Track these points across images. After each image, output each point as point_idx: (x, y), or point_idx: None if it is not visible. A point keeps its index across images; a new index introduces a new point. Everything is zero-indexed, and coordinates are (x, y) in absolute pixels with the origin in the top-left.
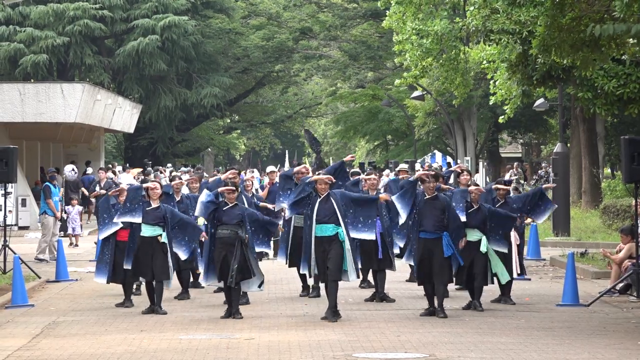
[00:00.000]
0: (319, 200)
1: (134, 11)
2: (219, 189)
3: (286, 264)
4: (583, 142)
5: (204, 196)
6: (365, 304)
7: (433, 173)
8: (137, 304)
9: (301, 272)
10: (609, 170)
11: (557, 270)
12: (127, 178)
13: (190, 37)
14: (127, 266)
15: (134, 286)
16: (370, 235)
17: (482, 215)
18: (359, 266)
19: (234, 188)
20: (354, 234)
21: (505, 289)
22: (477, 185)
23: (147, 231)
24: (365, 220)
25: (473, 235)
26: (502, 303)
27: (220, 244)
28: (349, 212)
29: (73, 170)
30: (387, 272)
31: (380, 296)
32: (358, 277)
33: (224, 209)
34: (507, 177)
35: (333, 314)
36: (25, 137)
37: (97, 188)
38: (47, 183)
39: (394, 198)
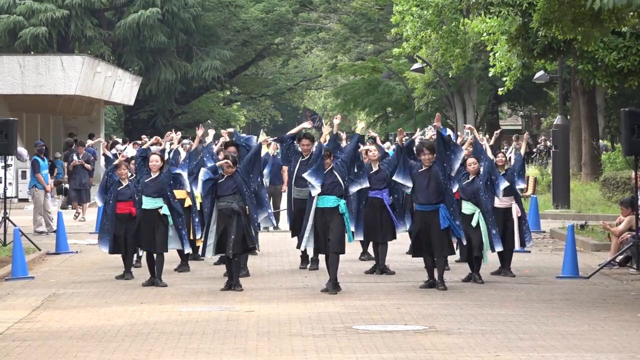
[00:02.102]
0: (324, 172)
1: None
2: (218, 164)
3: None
4: (583, 114)
5: (202, 174)
6: (365, 276)
7: (429, 144)
8: (137, 276)
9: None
10: (610, 143)
11: (556, 243)
12: (130, 151)
13: (191, 10)
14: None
15: (134, 258)
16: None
17: (476, 188)
18: (361, 238)
19: (231, 163)
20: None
21: (505, 261)
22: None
23: (148, 203)
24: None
25: (467, 208)
26: (501, 275)
27: (219, 217)
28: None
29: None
30: (388, 244)
31: (380, 268)
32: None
33: (220, 181)
34: (510, 149)
35: (333, 286)
36: (25, 109)
37: (75, 158)
38: (35, 157)
39: (394, 178)
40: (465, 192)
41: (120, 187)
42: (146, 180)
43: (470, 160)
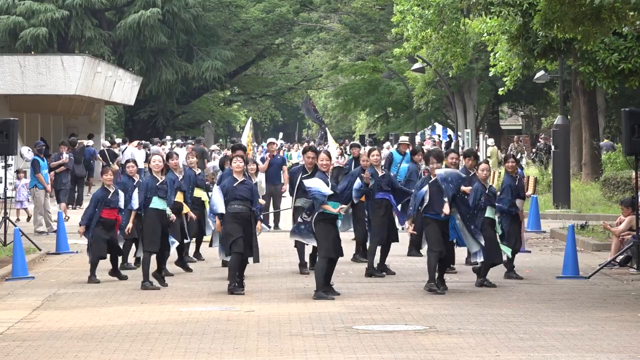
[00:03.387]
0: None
1: None
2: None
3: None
4: (583, 114)
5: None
6: (366, 277)
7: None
8: (136, 277)
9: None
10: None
11: (557, 243)
12: (130, 150)
13: (191, 10)
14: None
15: (133, 260)
16: None
17: (493, 193)
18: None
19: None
20: None
21: (510, 263)
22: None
23: (160, 204)
24: None
25: (489, 213)
26: (504, 278)
27: (236, 219)
28: None
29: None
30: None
31: (380, 268)
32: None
33: (234, 184)
34: (509, 151)
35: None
36: (26, 109)
37: (64, 156)
38: (35, 157)
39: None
40: (489, 198)
41: (109, 195)
42: (157, 185)
43: (483, 165)
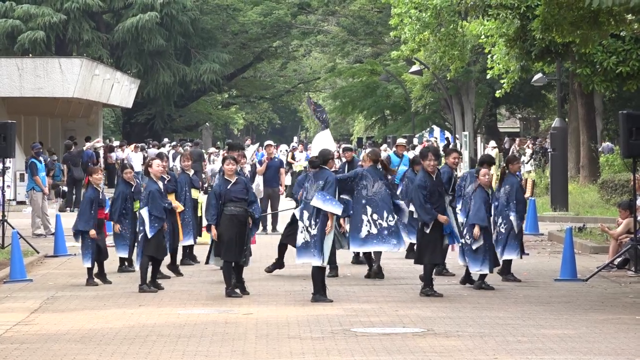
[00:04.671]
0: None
1: None
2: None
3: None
4: (581, 116)
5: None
6: (364, 279)
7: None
8: (134, 280)
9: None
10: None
11: (555, 245)
12: (127, 152)
13: (189, 13)
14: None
15: (126, 262)
16: None
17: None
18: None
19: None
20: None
21: (506, 266)
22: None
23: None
24: None
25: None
26: (502, 280)
27: (231, 222)
28: None
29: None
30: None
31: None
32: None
33: (228, 187)
34: (512, 151)
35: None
36: (24, 112)
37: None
38: (32, 159)
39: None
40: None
41: (100, 195)
42: (162, 188)
43: (483, 171)
